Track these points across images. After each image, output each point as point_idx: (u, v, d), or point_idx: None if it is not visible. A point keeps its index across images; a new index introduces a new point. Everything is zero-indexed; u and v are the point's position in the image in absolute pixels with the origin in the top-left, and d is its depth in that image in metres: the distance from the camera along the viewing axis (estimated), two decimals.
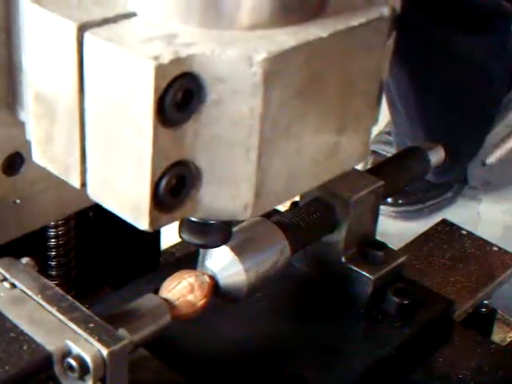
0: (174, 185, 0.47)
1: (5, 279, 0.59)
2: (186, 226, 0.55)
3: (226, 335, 0.73)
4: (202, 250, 0.66)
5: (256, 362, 0.71)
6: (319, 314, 0.77)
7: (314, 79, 0.48)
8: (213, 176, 0.48)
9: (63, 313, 0.56)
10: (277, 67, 0.46)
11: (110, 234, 0.88)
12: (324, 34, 0.48)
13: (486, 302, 0.89)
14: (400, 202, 1.59)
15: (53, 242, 0.81)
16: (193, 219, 0.54)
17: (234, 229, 0.66)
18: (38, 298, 0.57)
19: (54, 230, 0.80)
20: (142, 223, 0.48)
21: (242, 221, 0.67)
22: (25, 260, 0.62)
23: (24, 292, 0.58)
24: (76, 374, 0.53)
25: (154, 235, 0.94)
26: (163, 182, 0.47)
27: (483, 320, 0.89)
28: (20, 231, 0.68)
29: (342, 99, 0.50)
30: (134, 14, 0.48)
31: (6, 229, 0.66)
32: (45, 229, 0.79)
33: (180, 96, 0.45)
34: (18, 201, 0.66)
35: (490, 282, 0.88)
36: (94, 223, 0.86)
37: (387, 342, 0.73)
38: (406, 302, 0.75)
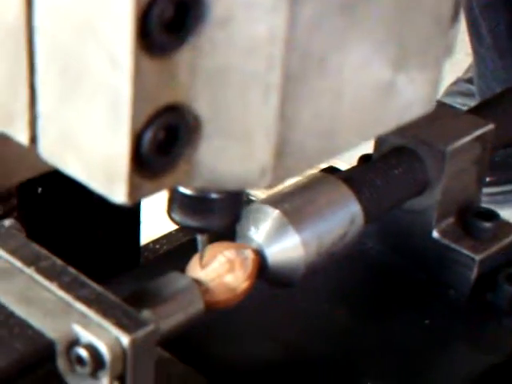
0: (163, 139, 0.40)
1: None
2: (177, 201, 0.48)
3: (270, 335, 0.63)
4: (244, 216, 0.58)
5: (314, 373, 0.60)
6: (400, 309, 0.67)
7: None
8: (217, 127, 0.42)
9: (67, 290, 0.50)
10: None
11: (67, 216, 0.79)
12: None
13: None
14: (487, 179, 1.43)
15: None
16: (187, 192, 0.48)
17: (287, 188, 0.58)
18: (31, 271, 0.51)
19: None
20: (118, 193, 0.41)
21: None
22: (8, 222, 0.56)
23: (10, 263, 0.52)
24: (87, 369, 0.47)
25: (132, 221, 0.84)
26: (147, 135, 0.40)
27: None
28: None
29: (401, 19, 0.43)
30: None
31: None
32: None
33: (171, 11, 0.38)
34: None
35: None
36: (44, 201, 0.78)
37: (498, 346, 0.64)
38: None
